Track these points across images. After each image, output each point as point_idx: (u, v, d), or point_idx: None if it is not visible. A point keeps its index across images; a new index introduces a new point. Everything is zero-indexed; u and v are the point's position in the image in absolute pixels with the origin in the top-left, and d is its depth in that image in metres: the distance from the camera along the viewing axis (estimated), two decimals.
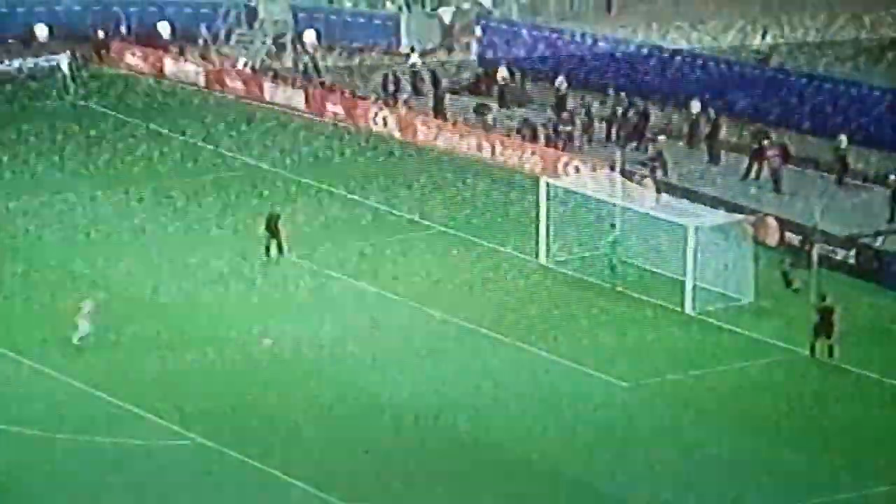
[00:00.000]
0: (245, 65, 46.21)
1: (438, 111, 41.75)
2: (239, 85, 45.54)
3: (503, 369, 28.50)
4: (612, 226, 32.29)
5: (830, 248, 32.69)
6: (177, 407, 26.81)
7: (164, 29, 47.96)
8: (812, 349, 28.83)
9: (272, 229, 33.36)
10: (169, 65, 46.84)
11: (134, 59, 47.53)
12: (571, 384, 27.99)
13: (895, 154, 36.29)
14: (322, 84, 44.83)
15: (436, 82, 42.64)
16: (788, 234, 33.71)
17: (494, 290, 31.93)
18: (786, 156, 37.24)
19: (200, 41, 47.70)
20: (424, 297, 31.34)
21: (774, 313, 30.83)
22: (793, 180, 37.05)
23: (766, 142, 37.31)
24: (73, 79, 45.47)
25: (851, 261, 32.69)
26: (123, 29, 48.19)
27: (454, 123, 41.12)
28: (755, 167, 37.42)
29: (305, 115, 43.59)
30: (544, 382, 28.02)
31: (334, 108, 43.38)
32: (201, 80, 46.09)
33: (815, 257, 31.59)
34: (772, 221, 34.15)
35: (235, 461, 25.13)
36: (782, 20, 40.92)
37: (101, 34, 47.99)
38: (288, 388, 27.64)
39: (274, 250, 33.33)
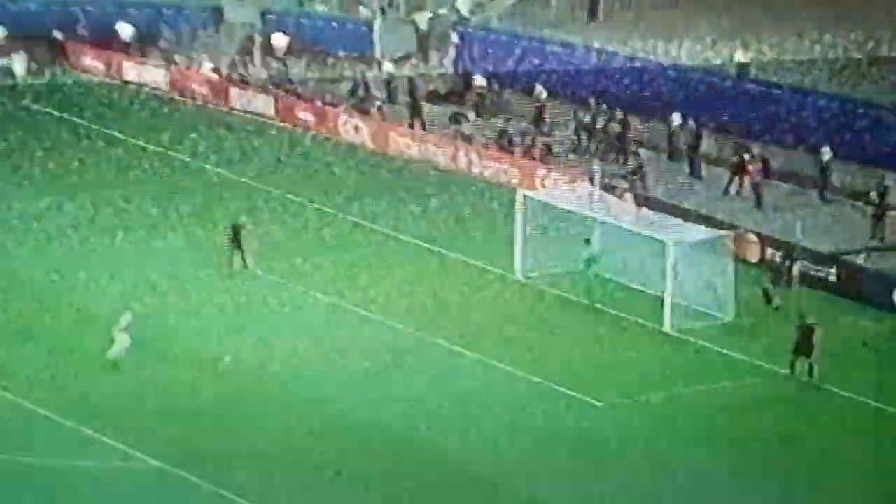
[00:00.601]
0: (211, 69, 46.54)
1: (417, 120, 41.96)
2: (204, 90, 45.86)
3: (474, 387, 28.88)
4: (587, 241, 32.79)
5: (812, 265, 33.26)
6: (130, 427, 26.94)
7: (124, 30, 48.11)
8: (792, 368, 29.38)
9: (235, 241, 33.63)
10: (129, 68, 47.09)
11: (92, 61, 47.73)
12: (544, 403, 28.37)
13: (879, 169, 36.77)
14: (292, 91, 45.22)
15: (413, 91, 42.84)
16: (769, 251, 34.21)
17: (468, 305, 32.35)
18: (767, 170, 37.82)
19: (163, 43, 47.96)
20: (395, 313, 31.73)
21: (755, 331, 31.32)
22: (774, 195, 37.60)
23: (746, 155, 37.91)
24: (28, 82, 45.63)
25: (833, 278, 33.24)
26: (82, 30, 48.34)
27: (429, 133, 41.52)
28: (736, 181, 38.02)
29: (274, 122, 43.95)
30: (517, 401, 28.40)
31: (304, 115, 43.75)
32: (164, 85, 46.39)
33: (796, 274, 32.19)
34: (752, 237, 34.68)
35: (191, 485, 25.23)
36: (764, 33, 41.54)
37: (58, 35, 48.15)
38: (251, 406, 27.88)
39: (238, 262, 33.57)
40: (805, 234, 33.44)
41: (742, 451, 26.86)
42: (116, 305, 31.27)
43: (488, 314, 31.96)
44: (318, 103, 43.93)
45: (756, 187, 37.51)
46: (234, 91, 45.18)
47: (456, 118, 42.03)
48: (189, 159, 40.86)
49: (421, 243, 35.68)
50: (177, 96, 45.85)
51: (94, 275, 33.16)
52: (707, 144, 39.69)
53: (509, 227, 34.36)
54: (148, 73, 46.66)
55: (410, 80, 43.26)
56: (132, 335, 29.10)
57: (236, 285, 32.96)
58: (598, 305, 32.18)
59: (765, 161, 37.83)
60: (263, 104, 44.50)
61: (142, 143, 41.76)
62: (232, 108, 44.90)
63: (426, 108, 43.22)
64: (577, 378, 29.17)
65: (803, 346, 29.13)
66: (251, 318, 31.48)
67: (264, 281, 33.27)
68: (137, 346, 29.60)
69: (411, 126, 41.87)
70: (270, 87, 45.40)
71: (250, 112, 44.49)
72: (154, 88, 46.20)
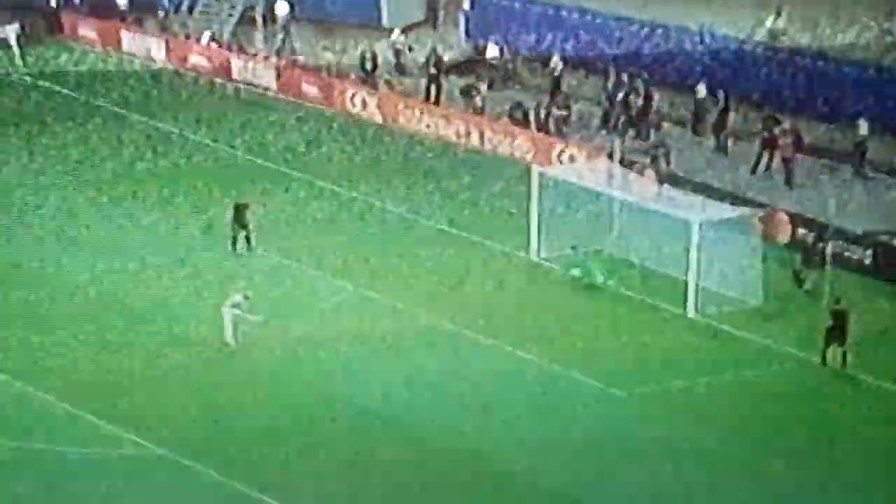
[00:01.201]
0: (210, 39, 46.32)
1: (432, 94, 41.53)
2: (203, 62, 45.66)
3: (487, 375, 28.76)
4: (574, 248, 32.14)
5: (846, 246, 32.98)
6: (134, 414, 27.02)
7: None
8: (824, 356, 29.16)
9: (240, 220, 33.54)
10: (126, 38, 46.93)
11: (88, 31, 47.58)
12: (562, 392, 28.26)
13: None
14: (295, 62, 44.98)
15: (435, 63, 42.06)
16: (800, 231, 33.95)
17: (481, 288, 32.20)
18: (799, 145, 37.48)
19: (161, 13, 47.76)
20: (405, 295, 31.58)
21: (784, 317, 31.12)
22: (806, 172, 37.26)
23: (776, 129, 37.58)
24: (22, 53, 45.53)
25: (869, 260, 32.98)
26: None
27: (439, 107, 41.29)
28: (766, 157, 37.71)
29: (277, 95, 43.73)
30: (532, 390, 28.29)
31: (309, 88, 43.52)
32: (162, 56, 46.22)
33: (829, 256, 31.91)
34: (783, 216, 34.41)
35: (196, 473, 25.34)
36: None
37: (52, 4, 47.99)
38: (255, 392, 27.88)
39: (241, 243, 33.53)
40: (839, 212, 33.13)
41: (771, 444, 26.72)
42: (116, 288, 31.22)
43: (502, 297, 31.84)
44: (324, 75, 43.70)
45: (787, 163, 37.19)
46: (235, 62, 44.96)
47: (467, 90, 41.74)
48: (188, 134, 40.69)
49: (431, 223, 35.51)
50: (175, 68, 45.62)
51: (95, 256, 33.05)
52: (734, 118, 39.34)
53: (524, 205, 34.13)
54: (145, 44, 46.49)
55: (433, 51, 42.58)
56: (242, 318, 29.09)
57: (242, 267, 32.81)
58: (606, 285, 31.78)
59: (797, 135, 37.49)
60: (266, 76, 44.29)
61: (137, 117, 41.61)
62: (233, 81, 44.67)
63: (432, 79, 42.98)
64: (596, 366, 29.05)
65: (836, 332, 28.90)
66: (257, 301, 31.23)
67: (270, 262, 33.10)
68: (137, 329, 29.57)
69: (436, 102, 41.08)
70: (273, 59, 45.18)
71: (253, 85, 44.25)
72: (152, 60, 46.00)
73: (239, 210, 33.66)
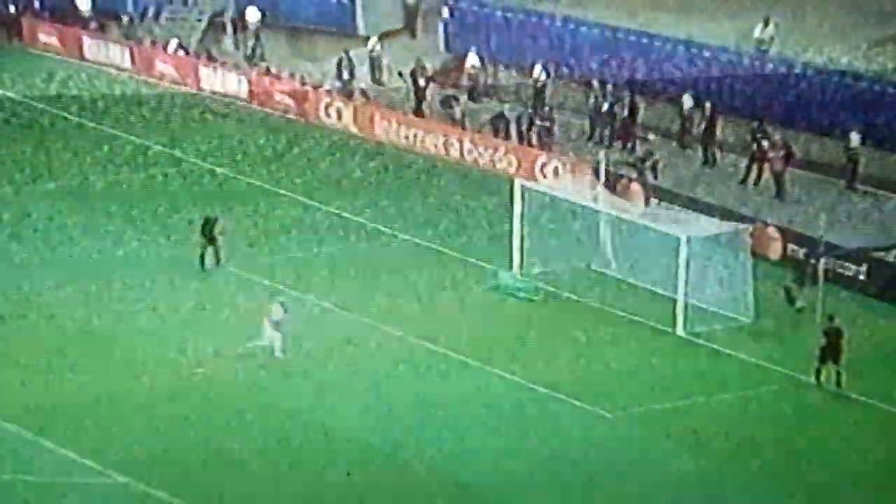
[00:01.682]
0: (177, 47, 46.34)
1: (420, 106, 41.53)
2: (170, 70, 45.64)
3: (469, 397, 28.81)
4: (496, 274, 32.27)
5: (839, 262, 33.20)
6: (100, 441, 26.91)
7: (83, 4, 47.93)
8: (818, 376, 29.33)
9: (208, 236, 33.54)
10: (89, 45, 46.89)
11: (49, 38, 47.52)
12: (547, 414, 28.33)
13: None
14: (267, 70, 45.05)
15: (413, 73, 42.01)
16: (792, 246, 34.19)
17: (461, 306, 32.28)
18: (789, 158, 37.71)
19: (125, 19, 47.75)
20: (382, 315, 31.64)
21: (776, 335, 31.30)
22: (797, 185, 37.51)
23: (765, 142, 37.85)
24: None
25: (863, 276, 33.19)
26: (37, 3, 48.11)
27: (418, 118, 41.41)
28: (755, 170, 37.94)
29: (248, 105, 43.78)
30: (516, 412, 28.34)
31: (281, 98, 43.61)
32: (127, 64, 46.20)
33: (821, 272, 32.10)
34: (773, 232, 34.66)
35: (161, 502, 25.24)
36: (787, 7, 41.39)
37: (11, 9, 47.91)
38: (226, 418, 27.85)
39: (210, 260, 33.48)
40: (831, 227, 33.34)
41: (763, 466, 26.83)
42: (81, 308, 31.14)
43: (483, 316, 31.92)
44: (297, 84, 43.76)
45: (777, 176, 37.45)
46: (203, 71, 44.97)
47: (446, 101, 41.86)
48: (157, 146, 40.68)
49: (409, 238, 35.60)
50: (140, 76, 45.60)
51: (53, 274, 32.94)
52: (722, 129, 39.59)
53: (506, 220, 34.23)
54: (109, 52, 46.47)
55: (417, 61, 42.60)
56: (284, 330, 29.20)
57: (210, 285, 32.85)
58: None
59: (787, 148, 37.73)
60: (236, 85, 44.34)
61: (99, 127, 41.53)
62: (202, 90, 44.69)
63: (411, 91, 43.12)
64: (581, 386, 29.14)
65: (830, 351, 29.07)
66: (228, 322, 31.33)
67: (241, 280, 33.11)
68: (104, 353, 29.51)
69: (416, 114, 41.26)
70: (243, 67, 45.21)
71: (222, 94, 44.28)
72: (116, 68, 45.99)
73: (206, 225, 33.64)
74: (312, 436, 27.24)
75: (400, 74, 42.05)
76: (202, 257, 33.41)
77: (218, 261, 33.39)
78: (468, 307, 32.16)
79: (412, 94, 42.22)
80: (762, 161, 37.71)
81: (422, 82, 42.24)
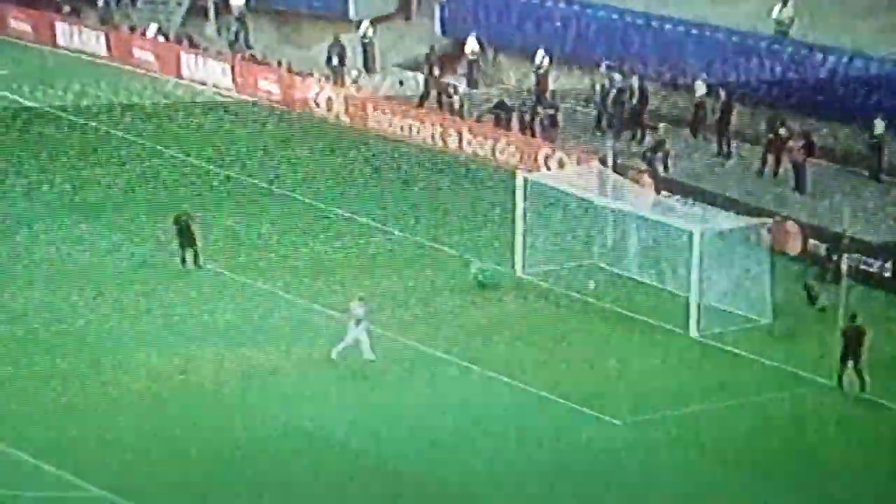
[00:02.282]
0: (157, 33, 46.46)
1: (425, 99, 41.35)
2: (149, 57, 45.76)
3: (469, 403, 28.89)
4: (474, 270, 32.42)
5: (863, 257, 33.33)
6: (74, 451, 26.97)
7: None
8: (840, 379, 29.45)
9: (185, 233, 33.53)
10: (63, 32, 47.00)
11: (20, 24, 47.62)
12: (554, 422, 28.42)
13: None
14: (252, 57, 45.17)
15: (431, 63, 41.83)
16: (813, 241, 34.34)
17: (459, 306, 32.37)
18: (811, 147, 37.81)
19: (101, 3, 47.86)
20: (375, 315, 31.62)
21: (796, 336, 31.42)
22: (818, 176, 37.56)
23: (782, 130, 37.92)
24: None
25: (888, 273, 33.32)
26: None
27: (415, 106, 41.39)
28: (772, 161, 37.98)
29: (232, 94, 43.87)
30: (520, 420, 28.42)
31: (268, 86, 43.72)
32: (103, 51, 46.31)
33: (844, 269, 32.24)
34: (793, 226, 34.78)
35: None
36: None
37: None
38: (208, 424, 27.94)
39: (190, 259, 33.48)
40: (855, 221, 33.48)
41: (781, 476, 26.94)
42: (54, 309, 31.30)
43: (484, 316, 32.02)
44: (284, 72, 43.87)
45: (797, 168, 37.53)
46: (184, 58, 45.06)
47: (445, 89, 41.96)
48: (136, 139, 40.77)
49: (403, 234, 35.68)
50: (118, 64, 45.74)
51: (26, 275, 33.06)
52: (738, 118, 39.64)
53: (508, 215, 34.31)
54: (84, 38, 46.58)
55: (432, 49, 42.36)
56: (368, 328, 29.37)
57: (190, 285, 32.94)
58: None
59: (808, 137, 37.82)
60: (219, 73, 44.46)
61: (77, 119, 41.67)
62: (182, 78, 44.79)
63: (409, 77, 43.11)
64: (588, 392, 29.23)
65: (853, 352, 29.17)
66: (209, 323, 31.45)
67: (222, 280, 33.23)
68: (79, 357, 29.56)
69: (419, 104, 41.18)
70: (227, 54, 45.33)
71: (204, 82, 44.35)
72: (91, 55, 46.08)
73: (182, 222, 33.59)
74: (300, 443, 27.34)
75: (401, 83, 42.00)
76: (183, 258, 33.41)
77: (197, 259, 33.30)
78: (465, 306, 32.26)
79: (423, 84, 41.79)
80: (779, 151, 37.85)
81: (436, 71, 42.05)
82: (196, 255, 33.53)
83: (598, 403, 28.79)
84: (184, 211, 33.98)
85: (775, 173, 37.92)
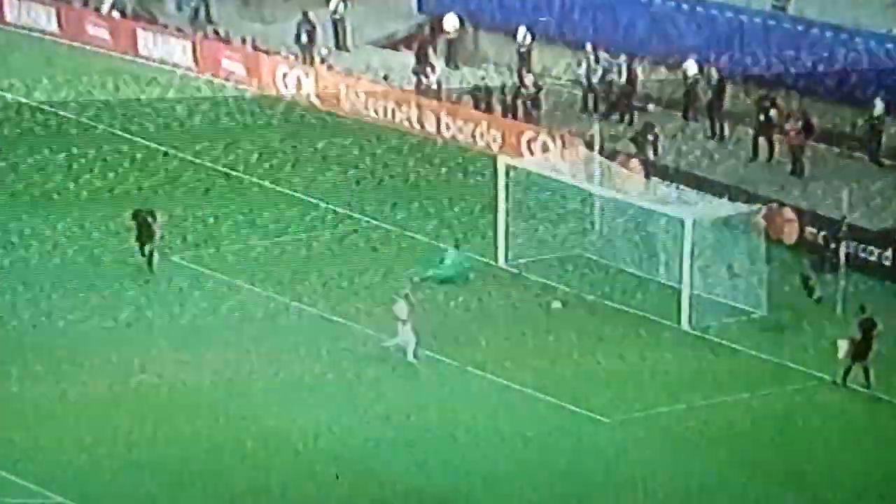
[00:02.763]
0: (111, 7, 46.58)
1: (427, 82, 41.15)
2: (104, 34, 45.91)
3: (452, 401, 29.25)
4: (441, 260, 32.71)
5: (862, 246, 33.76)
6: (32, 458, 27.15)
7: None
8: (846, 375, 29.69)
9: (144, 229, 33.18)
10: (10, 7, 46.95)
11: None
12: (539, 420, 28.79)
13: None
14: (216, 34, 45.35)
15: (422, 44, 42.13)
16: (810, 229, 34.68)
17: (440, 300, 32.71)
18: (809, 130, 37.91)
19: None
20: (351, 311, 32.09)
21: (792, 329, 31.83)
22: (815, 160, 37.85)
23: (773, 111, 38.16)
24: None
25: (889, 262, 33.67)
26: None
27: (389, 88, 41.49)
28: (765, 144, 37.92)
29: (193, 73, 44.07)
30: (504, 418, 28.80)
31: (231, 65, 43.90)
32: (54, 27, 46.36)
33: (843, 258, 32.69)
34: (789, 213, 35.14)
35: None
36: None
37: None
38: (175, 429, 28.16)
39: (152, 254, 33.08)
40: (853, 207, 33.78)
41: (779, 476, 27.34)
42: (14, 312, 31.42)
43: (466, 311, 32.37)
44: (250, 50, 44.00)
45: (795, 151, 37.55)
46: (141, 34, 45.21)
47: (420, 68, 42.14)
48: (89, 121, 40.85)
49: (379, 223, 36.02)
50: (69, 41, 45.79)
51: None
52: (731, 99, 39.89)
53: (488, 203, 34.68)
54: (33, 13, 46.59)
55: (432, 29, 42.58)
56: (414, 329, 29.53)
57: (152, 279, 33.16)
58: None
59: (806, 119, 37.97)
60: (179, 51, 44.62)
61: (25, 100, 41.60)
62: (140, 56, 44.96)
63: (381, 56, 43.22)
64: (575, 389, 29.59)
65: (861, 346, 29.38)
66: (174, 320, 31.74)
67: (185, 272, 33.49)
68: (36, 359, 29.74)
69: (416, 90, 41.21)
70: (188, 30, 45.45)
71: (163, 61, 44.53)
72: (41, 32, 46.07)
73: (140, 217, 33.42)
74: (275, 446, 27.67)
75: (385, 78, 42.10)
76: (143, 253, 33.10)
77: (152, 258, 33.07)
78: (448, 303, 32.55)
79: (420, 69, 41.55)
80: (769, 133, 37.99)
81: (430, 53, 42.21)
82: (152, 254, 33.19)
83: (586, 401, 29.09)
84: (144, 207, 33.75)
85: (770, 157, 38.08)
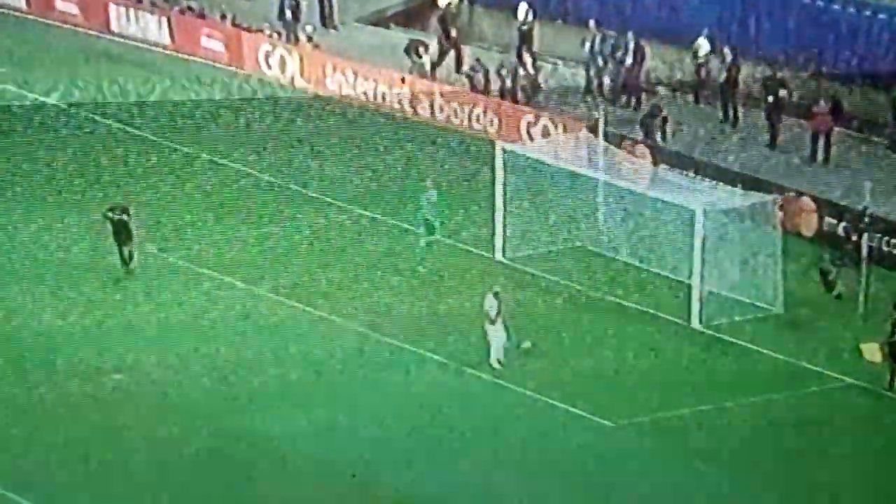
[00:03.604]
0: None
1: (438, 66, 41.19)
2: (73, 9, 45.89)
3: (445, 402, 29.30)
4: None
5: (886, 238, 33.78)
6: (1, 461, 27.29)
7: None
8: (892, 379, 29.33)
9: (120, 228, 32.81)
10: None
11: None
12: (539, 423, 28.82)
13: None
14: (192, 10, 45.34)
15: (445, 20, 41.90)
16: (829, 220, 34.74)
17: (434, 296, 32.76)
18: (839, 114, 37.52)
19: None
20: (337, 306, 32.16)
21: (810, 327, 31.90)
22: (836, 146, 37.73)
23: (783, 92, 38.08)
24: None
25: None
26: None
27: (379, 68, 41.45)
28: (769, 128, 37.84)
29: (169, 52, 44.10)
30: (501, 420, 28.84)
31: (210, 43, 43.94)
32: (21, 3, 46.38)
33: (864, 251, 32.71)
34: (807, 203, 35.21)
35: None
36: None
37: None
38: (148, 431, 28.22)
39: (131, 255, 32.77)
40: (876, 197, 33.76)
41: (796, 484, 27.35)
42: None
43: (460, 307, 32.31)
44: (230, 27, 44.02)
45: (820, 137, 37.01)
46: (114, 10, 45.19)
47: (413, 48, 42.15)
48: (59, 103, 40.79)
49: (368, 213, 36.03)
50: (38, 16, 45.80)
51: None
52: (746, 80, 39.70)
53: (486, 192, 34.66)
54: None
55: (447, 5, 42.32)
56: (507, 326, 29.48)
57: (131, 275, 33.16)
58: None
59: (835, 101, 37.69)
60: (155, 28, 44.63)
61: None
62: (113, 34, 44.94)
63: (370, 33, 43.21)
64: (578, 390, 29.61)
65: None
66: (148, 316, 31.78)
67: (163, 265, 33.55)
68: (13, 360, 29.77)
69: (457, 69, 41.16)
70: (164, 6, 45.46)
71: (137, 39, 44.52)
72: (7, 8, 46.08)
73: (113, 215, 32.99)
74: (255, 447, 27.71)
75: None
76: (126, 257, 32.90)
77: (128, 259, 32.89)
78: (443, 299, 32.60)
79: (439, 48, 41.61)
80: (776, 116, 37.80)
81: (453, 32, 42.14)
82: (131, 255, 32.92)
83: (589, 403, 29.14)
84: (117, 203, 33.44)
85: (773, 142, 37.82)
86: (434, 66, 41.48)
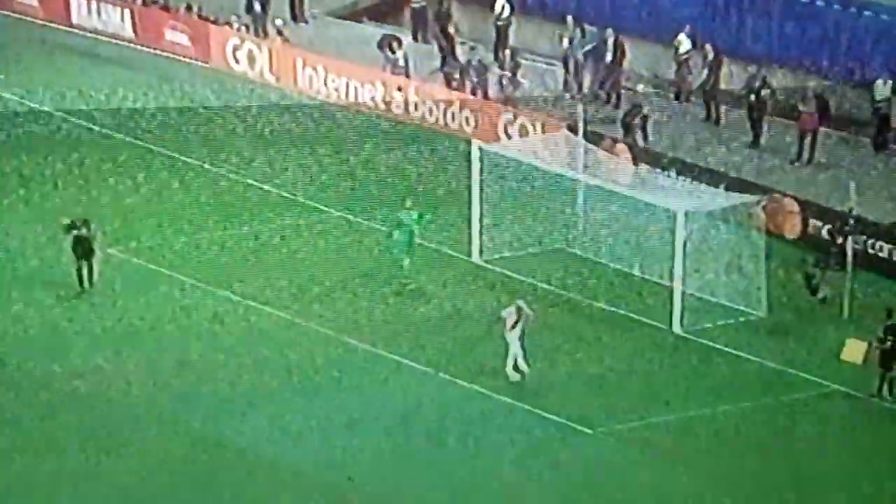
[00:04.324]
0: None
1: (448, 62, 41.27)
2: (33, 2, 46.13)
3: (420, 409, 29.55)
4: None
5: (871, 240, 34.19)
6: None
7: None
8: (882, 384, 29.63)
9: (80, 244, 32.36)
10: None
11: None
12: (517, 430, 29.07)
13: None
14: (156, 2, 45.56)
15: (441, 16, 42.35)
16: (814, 222, 35.08)
17: (409, 299, 33.09)
18: (826, 114, 37.89)
19: None
20: (309, 310, 32.43)
21: (794, 332, 32.24)
22: (820, 146, 38.08)
23: (765, 91, 38.48)
24: None
25: None
26: None
27: (350, 64, 41.65)
28: (751, 127, 38.27)
29: (132, 45, 44.32)
30: (479, 427, 29.09)
31: (175, 36, 44.19)
32: None
33: (850, 254, 33.07)
34: (791, 204, 35.60)
35: None
36: None
37: None
38: (117, 441, 28.38)
39: (85, 272, 32.51)
40: (861, 198, 34.01)
41: (779, 491, 27.63)
42: None
43: (435, 310, 32.71)
44: (196, 20, 44.25)
45: (806, 137, 37.47)
46: (75, 3, 45.42)
47: (386, 42, 42.34)
48: (13, 97, 40.97)
49: (340, 213, 36.34)
50: None
51: None
52: (728, 78, 40.22)
53: (462, 192, 35.05)
54: None
55: (441, 3, 42.53)
56: (521, 337, 29.59)
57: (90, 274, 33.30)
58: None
59: (821, 101, 38.07)
60: (117, 21, 44.82)
61: None
62: (72, 27, 45.18)
63: (342, 28, 43.49)
64: (555, 396, 29.92)
65: (890, 354, 29.43)
66: (112, 321, 31.96)
67: (126, 267, 33.73)
68: None
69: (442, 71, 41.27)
70: None
71: (98, 32, 44.72)
72: None
73: (74, 230, 32.62)
74: (224, 459, 27.98)
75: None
76: (80, 274, 32.56)
77: (89, 277, 32.64)
78: (417, 303, 32.88)
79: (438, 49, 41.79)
80: (760, 114, 38.16)
81: (451, 29, 42.30)
82: (90, 271, 32.48)
83: (566, 410, 29.34)
84: (77, 218, 32.97)
85: (755, 143, 38.18)
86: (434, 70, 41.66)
